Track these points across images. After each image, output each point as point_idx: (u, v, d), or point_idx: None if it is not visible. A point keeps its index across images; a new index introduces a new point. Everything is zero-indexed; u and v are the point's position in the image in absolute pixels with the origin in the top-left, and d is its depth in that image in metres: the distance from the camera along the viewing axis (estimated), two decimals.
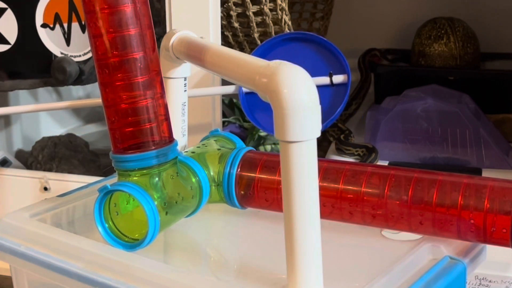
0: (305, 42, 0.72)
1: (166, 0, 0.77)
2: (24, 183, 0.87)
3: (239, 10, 0.84)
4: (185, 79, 0.56)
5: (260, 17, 0.83)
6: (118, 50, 0.46)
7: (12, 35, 0.83)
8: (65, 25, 0.83)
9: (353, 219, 0.48)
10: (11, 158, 1.06)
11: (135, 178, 0.47)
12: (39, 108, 0.84)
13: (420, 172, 0.46)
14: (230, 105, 1.07)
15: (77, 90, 1.22)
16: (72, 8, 0.82)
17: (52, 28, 0.83)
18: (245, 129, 1.03)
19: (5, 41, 0.84)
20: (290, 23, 0.83)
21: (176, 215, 0.49)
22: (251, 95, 0.75)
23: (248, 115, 0.74)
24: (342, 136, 0.92)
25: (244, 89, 0.76)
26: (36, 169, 1.01)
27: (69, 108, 0.84)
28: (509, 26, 1.09)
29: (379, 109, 0.93)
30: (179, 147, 0.51)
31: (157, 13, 0.86)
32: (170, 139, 0.49)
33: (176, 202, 0.48)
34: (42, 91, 1.18)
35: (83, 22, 0.82)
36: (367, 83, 1.07)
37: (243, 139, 0.97)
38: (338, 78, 0.70)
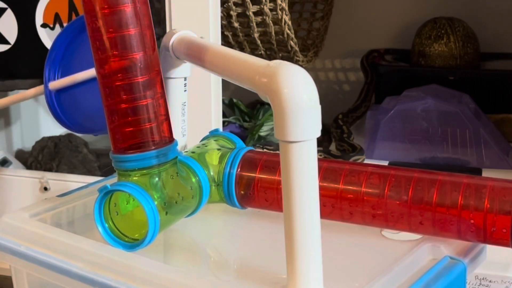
0: None
1: (166, 0, 0.77)
2: (24, 183, 0.87)
3: (239, 10, 0.84)
4: (185, 79, 0.56)
5: (260, 17, 0.83)
6: (118, 50, 0.46)
7: (12, 35, 0.83)
8: (65, 25, 0.83)
9: (353, 219, 0.48)
10: (11, 158, 1.06)
11: (135, 178, 0.47)
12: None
13: (420, 172, 0.46)
14: (230, 105, 1.07)
15: None
16: (72, 8, 0.82)
17: (52, 28, 0.83)
18: (245, 129, 1.03)
19: (5, 41, 0.83)
20: (290, 23, 0.83)
21: (176, 215, 0.49)
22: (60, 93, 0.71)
23: (56, 115, 0.70)
24: (344, 136, 0.93)
25: (51, 87, 0.71)
26: (36, 169, 1.01)
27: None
28: (509, 26, 1.09)
29: (379, 109, 0.93)
30: (179, 147, 0.51)
31: (157, 13, 0.86)
32: (170, 139, 0.49)
33: (176, 202, 0.48)
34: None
35: None
36: (372, 85, 1.07)
37: (243, 139, 0.96)
38: None
